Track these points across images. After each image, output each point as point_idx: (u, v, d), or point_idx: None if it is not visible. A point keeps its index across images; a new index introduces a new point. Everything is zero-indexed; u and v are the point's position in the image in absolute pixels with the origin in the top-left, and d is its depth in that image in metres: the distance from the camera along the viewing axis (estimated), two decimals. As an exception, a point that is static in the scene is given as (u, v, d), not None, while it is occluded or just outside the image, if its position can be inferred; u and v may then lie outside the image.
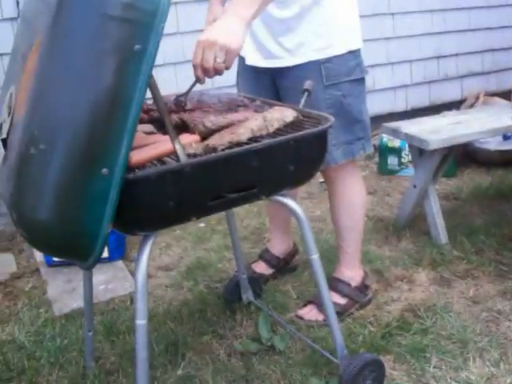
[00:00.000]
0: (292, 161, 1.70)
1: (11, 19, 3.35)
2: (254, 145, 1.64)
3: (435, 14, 4.68)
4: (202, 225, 3.45)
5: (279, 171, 1.72)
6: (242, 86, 2.48)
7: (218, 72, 1.76)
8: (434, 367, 2.20)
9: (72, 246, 1.47)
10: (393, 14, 4.50)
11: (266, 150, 1.64)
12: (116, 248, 3.05)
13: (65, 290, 2.86)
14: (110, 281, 2.90)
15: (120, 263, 3.07)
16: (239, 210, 3.35)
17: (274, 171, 1.71)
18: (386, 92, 4.57)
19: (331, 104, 2.24)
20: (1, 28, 3.34)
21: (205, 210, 1.63)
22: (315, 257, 1.91)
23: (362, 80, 2.33)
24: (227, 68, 1.77)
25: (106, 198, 1.39)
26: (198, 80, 1.81)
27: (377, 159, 4.31)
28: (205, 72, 1.77)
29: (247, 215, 3.56)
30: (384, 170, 4.23)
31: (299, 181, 1.85)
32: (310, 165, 1.80)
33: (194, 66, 1.77)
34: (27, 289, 2.91)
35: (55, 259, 2.98)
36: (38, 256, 3.15)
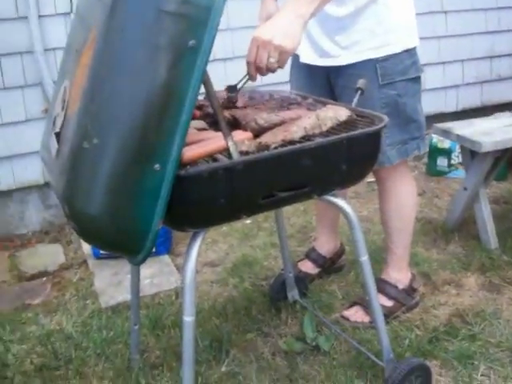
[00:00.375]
0: (345, 160, 1.67)
1: (64, 14, 3.39)
2: (308, 143, 1.61)
3: (489, 13, 4.56)
4: (249, 221, 3.44)
5: (332, 171, 1.69)
6: (296, 83, 2.45)
7: (271, 71, 1.75)
8: (482, 375, 2.15)
9: (122, 241, 1.46)
10: (446, 11, 4.41)
11: (319, 149, 1.61)
12: (162, 243, 3.06)
13: (111, 282, 2.87)
14: (155, 275, 2.90)
15: (166, 258, 3.08)
16: (286, 208, 3.30)
17: (326, 170, 1.68)
18: (436, 92, 4.49)
19: (386, 103, 2.20)
20: (54, 23, 3.37)
21: (256, 208, 1.61)
22: (365, 258, 1.88)
23: (417, 79, 2.29)
24: (280, 67, 1.75)
25: (158, 194, 1.39)
26: (251, 77, 1.80)
27: (426, 160, 4.24)
28: (258, 70, 1.75)
29: (294, 213, 3.54)
30: (433, 172, 4.15)
31: (351, 181, 1.81)
32: (363, 165, 1.77)
33: (248, 63, 1.76)
34: (75, 280, 2.95)
35: (102, 252, 3.00)
36: (86, 248, 3.19)
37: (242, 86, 1.92)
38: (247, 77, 1.82)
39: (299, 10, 1.75)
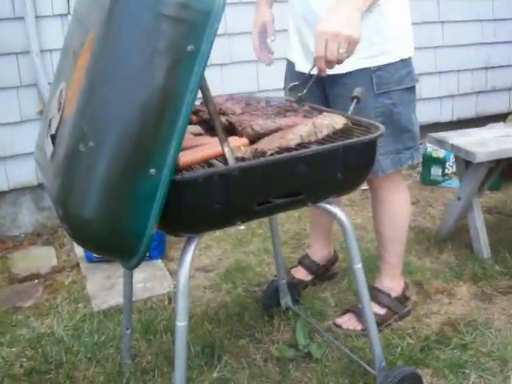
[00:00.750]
0: (340, 168, 1.67)
1: (61, 15, 3.39)
2: (303, 151, 1.61)
3: (485, 24, 4.59)
4: (242, 227, 3.44)
5: (327, 178, 1.69)
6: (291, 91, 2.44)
7: (340, 62, 1.80)
8: (473, 384, 2.15)
9: (116, 245, 1.46)
10: (442, 22, 4.43)
11: (315, 157, 1.61)
12: (156, 247, 3.05)
13: (104, 286, 2.86)
14: (148, 279, 2.90)
15: (159, 262, 3.07)
16: (280, 215, 3.30)
17: (321, 178, 1.67)
18: (432, 101, 4.51)
19: (381, 112, 2.20)
20: (51, 24, 3.37)
21: (250, 214, 1.60)
22: (359, 266, 1.87)
23: (412, 89, 2.29)
24: (348, 57, 1.80)
25: (153, 199, 1.38)
26: (320, 71, 1.84)
27: (420, 169, 4.26)
28: (328, 63, 1.79)
29: (288, 220, 3.53)
30: (427, 181, 4.17)
31: (346, 189, 1.81)
32: (358, 173, 1.77)
33: (318, 58, 1.79)
34: (67, 283, 2.93)
35: (95, 255, 2.98)
36: (78, 251, 3.18)
37: (310, 84, 1.96)
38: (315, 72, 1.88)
39: (356, 4, 1.83)
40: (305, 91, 2.00)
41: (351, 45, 1.78)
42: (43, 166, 1.68)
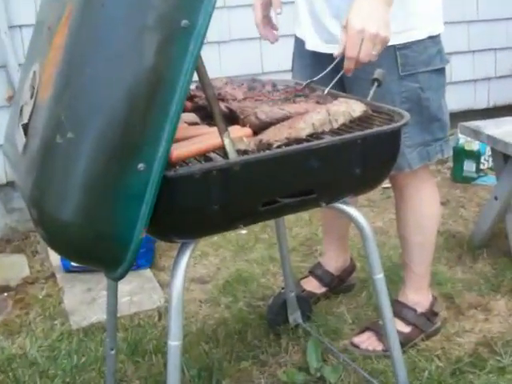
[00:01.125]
0: (358, 163, 1.67)
1: (33, -14, 3.40)
2: (316, 142, 1.61)
3: (527, -5, 4.59)
4: (244, 232, 3.44)
5: (343, 175, 1.69)
6: (300, 73, 2.43)
7: (369, 63, 1.85)
8: (512, 414, 2.16)
9: (99, 252, 1.46)
10: (477, -7, 4.44)
11: (330, 150, 1.61)
12: (143, 254, 3.05)
13: (84, 299, 2.88)
14: (135, 292, 2.91)
15: (148, 272, 3.09)
16: (287, 217, 3.32)
17: (336, 174, 1.68)
18: (464, 85, 4.50)
19: (407, 98, 2.21)
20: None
21: (254, 216, 1.61)
22: (380, 276, 1.88)
23: (442, 70, 2.29)
24: (376, 58, 1.86)
25: (142, 198, 1.38)
26: (347, 72, 1.89)
27: (450, 164, 4.26)
28: (358, 64, 1.84)
29: (297, 223, 3.55)
30: (458, 177, 4.17)
31: (365, 187, 1.82)
32: (380, 169, 1.78)
33: (349, 59, 1.83)
34: (41, 296, 2.94)
35: (74, 264, 2.99)
36: (54, 259, 3.18)
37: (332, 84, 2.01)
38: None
39: None
40: (326, 91, 2.02)
41: (383, 46, 1.83)
42: (14, 160, 1.69)
